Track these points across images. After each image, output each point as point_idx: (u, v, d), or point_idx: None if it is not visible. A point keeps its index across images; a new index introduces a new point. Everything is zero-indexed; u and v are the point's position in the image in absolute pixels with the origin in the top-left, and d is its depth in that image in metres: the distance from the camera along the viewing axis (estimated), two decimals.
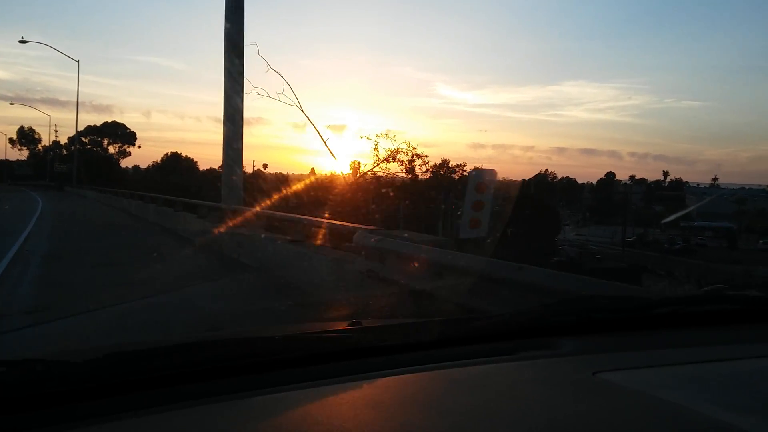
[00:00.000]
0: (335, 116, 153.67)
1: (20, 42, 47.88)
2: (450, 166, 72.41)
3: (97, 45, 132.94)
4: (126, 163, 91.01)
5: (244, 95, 13.81)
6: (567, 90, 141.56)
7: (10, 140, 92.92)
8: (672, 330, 1.78)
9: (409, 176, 69.08)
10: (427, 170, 72.32)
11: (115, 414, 1.09)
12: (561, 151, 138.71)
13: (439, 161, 73.99)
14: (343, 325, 1.62)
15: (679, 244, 58.98)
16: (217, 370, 1.28)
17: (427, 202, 61.99)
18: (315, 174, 72.12)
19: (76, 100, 49.40)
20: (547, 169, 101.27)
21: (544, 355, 1.52)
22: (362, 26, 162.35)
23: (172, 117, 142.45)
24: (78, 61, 48.26)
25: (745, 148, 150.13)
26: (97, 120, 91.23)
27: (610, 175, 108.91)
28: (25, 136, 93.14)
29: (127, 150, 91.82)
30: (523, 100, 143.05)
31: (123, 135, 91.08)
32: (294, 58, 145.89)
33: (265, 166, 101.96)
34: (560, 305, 2.03)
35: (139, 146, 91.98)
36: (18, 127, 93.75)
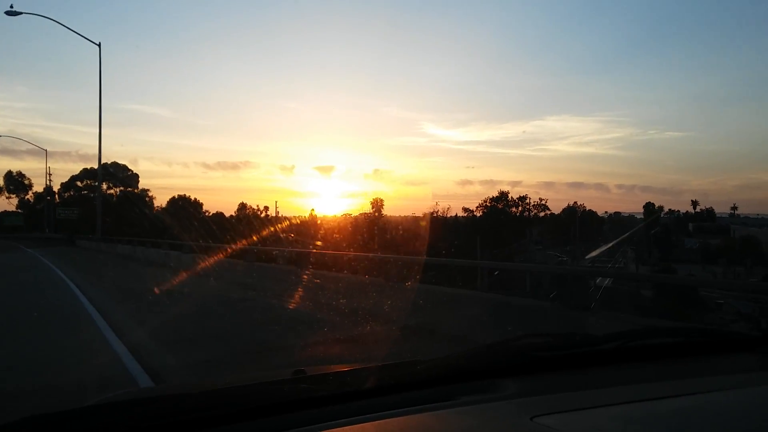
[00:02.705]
0: (324, 157, 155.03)
1: (7, 13, 33.12)
2: (510, 198, 64.19)
3: (81, 94, 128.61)
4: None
5: None
6: (551, 125, 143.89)
7: None
8: (616, 367, 1.78)
9: (466, 213, 60.90)
10: (480, 205, 64.23)
11: None
12: (549, 185, 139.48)
13: (494, 194, 65.98)
14: (287, 374, 1.54)
15: None
16: None
17: (497, 237, 53.91)
18: (315, 214, 66.32)
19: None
20: (576, 202, 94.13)
21: (484, 399, 1.49)
22: (346, 69, 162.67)
23: (159, 163, 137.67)
24: (99, 44, 36.11)
25: (731, 176, 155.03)
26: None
27: (650, 206, 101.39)
28: (14, 182, 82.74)
29: (131, 193, 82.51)
30: (507, 136, 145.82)
31: (124, 178, 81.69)
32: (280, 101, 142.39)
33: (267, 208, 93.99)
34: (501, 344, 1.92)
35: (145, 190, 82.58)
36: (5, 173, 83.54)
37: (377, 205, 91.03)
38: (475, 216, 63.04)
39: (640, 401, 1.45)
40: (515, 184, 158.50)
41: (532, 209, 61.63)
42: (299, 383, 1.48)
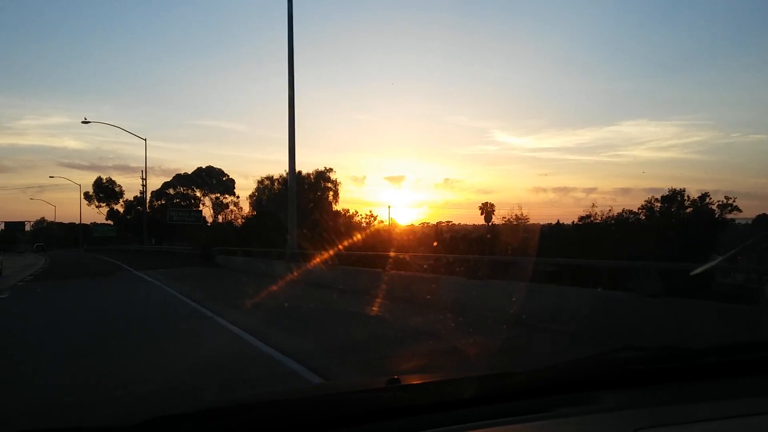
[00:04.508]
0: (393, 168, 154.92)
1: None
2: (687, 198, 55.34)
3: (163, 111, 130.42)
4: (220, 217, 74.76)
5: None
6: (627, 130, 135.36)
7: (86, 195, 76.60)
8: (717, 380, 1.74)
9: (622, 214, 52.42)
10: (643, 206, 55.47)
11: None
12: (625, 191, 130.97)
13: (660, 194, 57.18)
14: (381, 383, 1.56)
15: None
16: None
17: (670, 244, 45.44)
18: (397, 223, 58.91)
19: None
20: (701, 196, 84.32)
21: (584, 411, 1.49)
22: (414, 79, 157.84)
23: (236, 176, 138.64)
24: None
25: None
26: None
27: None
28: (104, 190, 76.86)
29: (225, 201, 75.86)
30: (581, 142, 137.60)
31: (219, 183, 75.17)
32: (350, 112, 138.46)
33: (369, 215, 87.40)
34: (598, 357, 1.91)
35: (238, 197, 75.61)
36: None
37: (487, 210, 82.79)
38: (641, 220, 53.60)
39: (742, 416, 1.44)
40: (590, 190, 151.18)
41: (716, 210, 52.33)
42: (397, 392, 1.50)
